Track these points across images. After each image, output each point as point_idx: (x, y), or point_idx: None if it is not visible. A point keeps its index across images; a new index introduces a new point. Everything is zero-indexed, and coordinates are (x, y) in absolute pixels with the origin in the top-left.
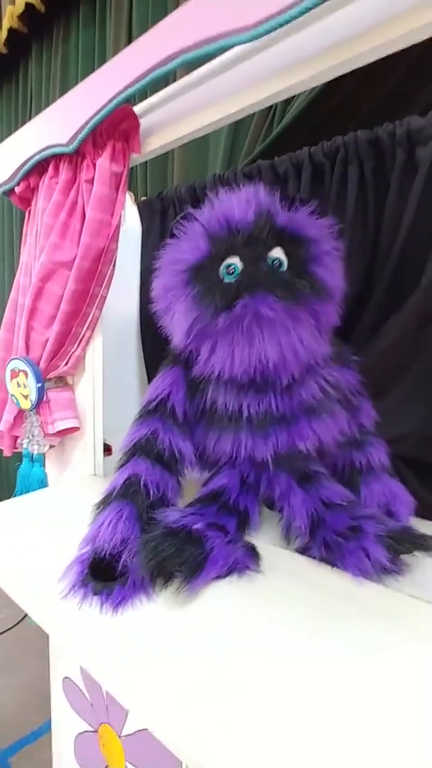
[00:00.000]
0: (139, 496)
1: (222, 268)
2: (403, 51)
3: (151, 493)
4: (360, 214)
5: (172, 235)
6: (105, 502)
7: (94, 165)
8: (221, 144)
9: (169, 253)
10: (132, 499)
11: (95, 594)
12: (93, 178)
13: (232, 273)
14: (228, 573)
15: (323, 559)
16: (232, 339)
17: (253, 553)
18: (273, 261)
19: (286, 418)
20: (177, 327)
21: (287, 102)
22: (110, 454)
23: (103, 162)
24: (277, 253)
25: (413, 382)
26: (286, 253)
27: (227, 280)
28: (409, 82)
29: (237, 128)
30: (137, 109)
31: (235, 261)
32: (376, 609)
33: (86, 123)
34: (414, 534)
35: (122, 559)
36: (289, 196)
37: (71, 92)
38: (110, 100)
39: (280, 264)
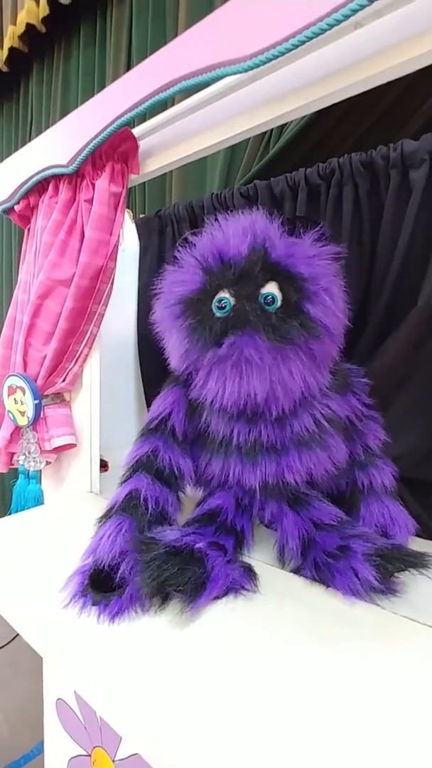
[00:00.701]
0: (138, 510)
1: (214, 302)
2: None
3: (150, 507)
4: (356, 235)
5: (173, 258)
6: (106, 516)
7: (94, 185)
8: (218, 163)
9: (166, 281)
10: (132, 513)
11: (94, 604)
12: (92, 198)
13: (224, 308)
14: (225, 593)
15: (316, 580)
16: (222, 372)
17: (249, 573)
18: (266, 296)
19: (276, 449)
20: (173, 354)
21: (283, 124)
22: (107, 470)
23: (102, 183)
24: (271, 288)
25: (408, 403)
26: (281, 288)
27: (218, 314)
28: (403, 104)
29: (234, 148)
30: (136, 131)
31: (226, 296)
32: (368, 630)
33: (86, 145)
34: (404, 552)
35: (120, 571)
36: (294, 219)
37: (72, 114)
38: (110, 123)
39: (273, 300)
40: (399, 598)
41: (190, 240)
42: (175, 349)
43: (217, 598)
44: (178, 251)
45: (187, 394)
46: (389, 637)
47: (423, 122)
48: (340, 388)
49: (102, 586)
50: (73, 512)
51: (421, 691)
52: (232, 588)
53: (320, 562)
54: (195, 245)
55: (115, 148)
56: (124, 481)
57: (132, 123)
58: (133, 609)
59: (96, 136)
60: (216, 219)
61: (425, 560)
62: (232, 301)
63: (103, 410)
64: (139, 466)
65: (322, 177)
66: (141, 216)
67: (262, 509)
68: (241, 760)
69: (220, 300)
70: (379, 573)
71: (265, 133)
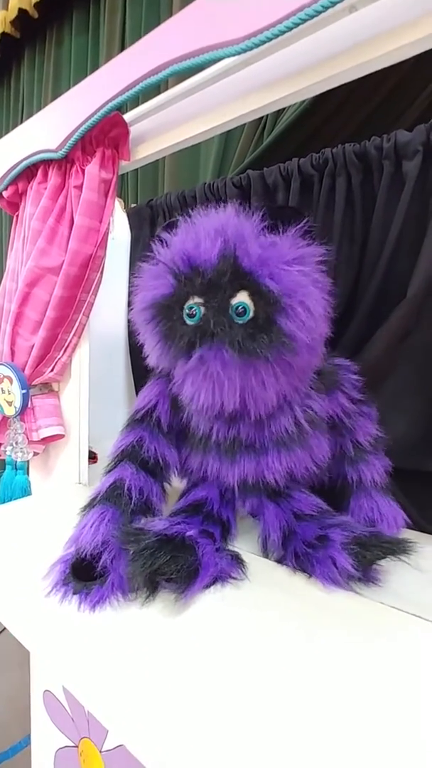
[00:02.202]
0: (122, 500)
1: (185, 309)
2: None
3: (134, 497)
4: (348, 226)
5: (149, 255)
6: (90, 505)
7: (83, 171)
8: (212, 153)
9: (140, 281)
10: (115, 502)
11: (75, 593)
12: (82, 184)
13: (194, 316)
14: (213, 582)
15: (297, 569)
16: (194, 381)
17: (237, 561)
18: (237, 307)
19: (256, 448)
20: (150, 354)
21: (278, 112)
22: (96, 461)
23: (92, 168)
24: (242, 297)
25: (395, 394)
26: (253, 299)
27: (189, 322)
28: (400, 94)
29: (228, 137)
30: (127, 117)
31: (197, 303)
32: (354, 619)
33: (76, 129)
34: (382, 539)
35: (102, 560)
36: (277, 211)
37: (62, 98)
38: (101, 107)
39: (245, 310)
40: (384, 588)
41: (163, 237)
42: (150, 351)
43: (206, 586)
44: (153, 248)
45: (170, 388)
46: (373, 625)
47: (421, 112)
48: (326, 386)
49: (84, 574)
50: (61, 504)
51: (401, 677)
52: (220, 577)
53: (300, 552)
54: (167, 244)
55: (106, 134)
56: (109, 471)
57: (124, 108)
58: (114, 597)
59: (86, 121)
60: (189, 215)
61: (404, 547)
62: (202, 309)
63: (92, 401)
64: (124, 456)
65: (315, 167)
66: (132, 206)
67: (243, 502)
68: (227, 751)
69: (190, 307)
70: (357, 561)
71: (260, 122)
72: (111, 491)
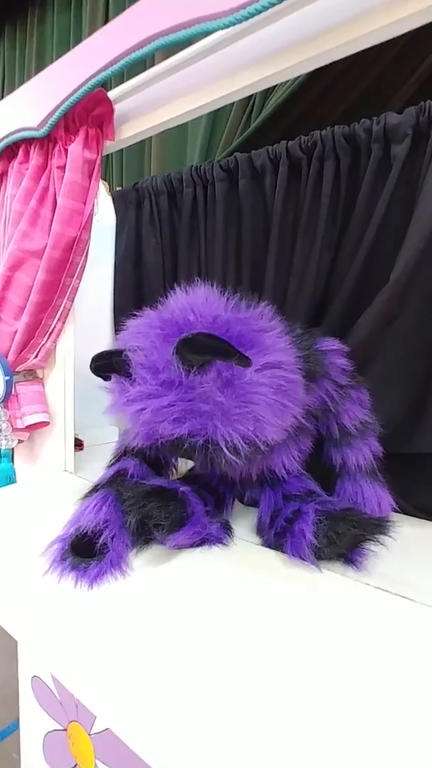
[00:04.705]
0: (125, 486)
1: None
2: (385, 42)
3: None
4: (333, 209)
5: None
6: (93, 491)
7: (66, 151)
8: (199, 135)
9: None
10: (118, 487)
11: (72, 569)
12: (65, 165)
13: None
14: (201, 543)
15: (275, 547)
16: None
17: (226, 528)
18: None
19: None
20: None
21: (266, 93)
22: (81, 449)
23: (76, 148)
24: None
25: (380, 378)
26: None
27: None
28: (393, 73)
29: (216, 119)
30: (111, 94)
31: None
32: (337, 599)
33: (58, 106)
34: (356, 516)
35: (102, 537)
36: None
37: (43, 73)
38: (83, 83)
39: None
40: (369, 569)
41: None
42: None
43: (193, 545)
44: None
45: None
46: (358, 605)
47: (411, 94)
48: (313, 376)
49: (83, 552)
50: (46, 491)
51: (384, 655)
52: (209, 539)
53: (279, 528)
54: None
55: (89, 112)
56: (111, 465)
57: (108, 85)
58: (112, 575)
59: (68, 97)
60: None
61: (378, 526)
62: None
63: (78, 388)
64: (126, 452)
65: (304, 150)
66: (118, 189)
67: (244, 492)
68: (210, 734)
69: None
70: (324, 534)
71: (248, 104)
72: (114, 478)
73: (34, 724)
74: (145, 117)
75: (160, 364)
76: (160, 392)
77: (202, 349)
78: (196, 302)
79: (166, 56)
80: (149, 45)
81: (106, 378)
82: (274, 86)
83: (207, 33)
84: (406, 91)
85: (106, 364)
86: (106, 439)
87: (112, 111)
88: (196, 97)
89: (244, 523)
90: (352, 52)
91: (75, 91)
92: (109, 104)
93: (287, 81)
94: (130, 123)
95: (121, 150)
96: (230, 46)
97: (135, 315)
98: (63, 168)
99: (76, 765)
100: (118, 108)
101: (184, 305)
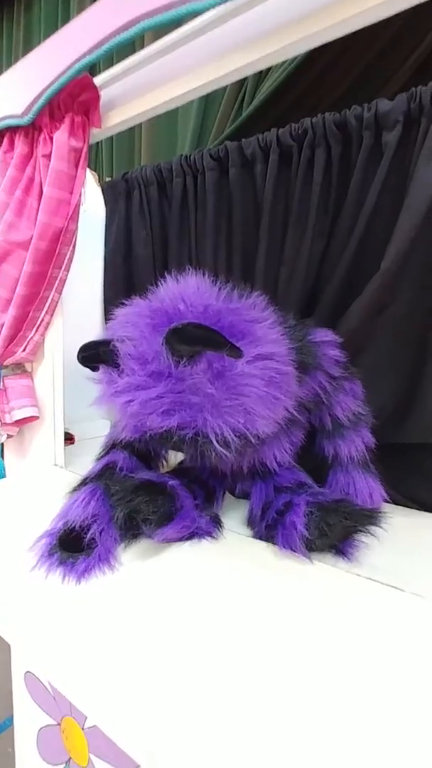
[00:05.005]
0: (114, 479)
1: None
2: (379, 27)
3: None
4: (324, 198)
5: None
6: (81, 484)
7: (52, 139)
8: (190, 125)
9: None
10: (107, 481)
11: (60, 564)
12: (51, 153)
13: None
14: (190, 537)
15: (266, 539)
16: None
17: (216, 522)
18: None
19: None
20: None
21: (258, 81)
22: (73, 443)
23: (61, 136)
24: None
25: (371, 367)
26: None
27: None
28: (386, 60)
29: (207, 108)
30: (97, 80)
31: None
32: (326, 589)
33: (42, 92)
34: (347, 507)
35: (90, 532)
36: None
37: (27, 59)
38: (67, 68)
39: None
40: (358, 560)
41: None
42: None
43: (183, 538)
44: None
45: None
46: (348, 595)
47: (405, 81)
48: (305, 368)
49: (71, 547)
50: (37, 486)
51: (372, 643)
52: (198, 533)
53: (270, 521)
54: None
55: (75, 98)
56: (100, 458)
57: (97, 70)
58: (100, 570)
59: (52, 83)
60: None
61: (369, 517)
62: None
63: (67, 381)
64: (115, 445)
65: (295, 138)
66: (107, 179)
67: (235, 485)
68: (202, 731)
69: None
70: (315, 526)
71: (239, 92)
72: (103, 472)
73: (28, 720)
74: (133, 103)
75: (149, 354)
76: (148, 383)
77: (192, 339)
78: (187, 291)
79: (153, 40)
80: (136, 26)
81: (94, 369)
82: (266, 73)
83: (196, 13)
84: (400, 77)
85: (94, 355)
86: (98, 433)
87: (97, 97)
88: (185, 81)
89: (235, 516)
90: (345, 32)
91: (59, 76)
92: (94, 90)
93: (279, 68)
94: (116, 109)
95: (111, 140)
96: (219, 28)
97: (124, 304)
98: (49, 157)
99: (70, 759)
100: (104, 94)
101: (174, 294)
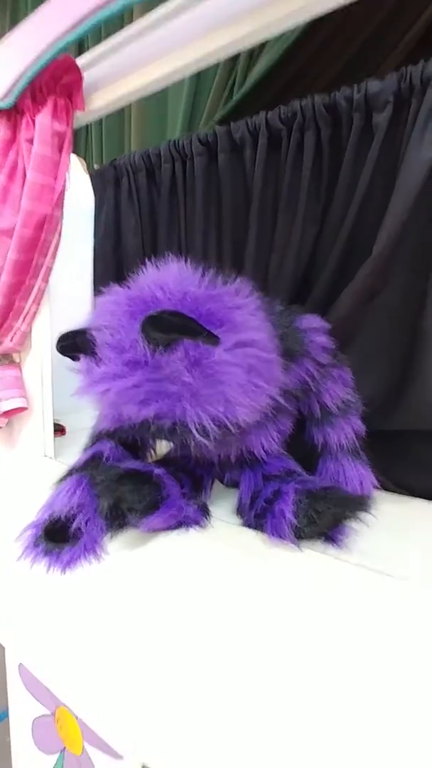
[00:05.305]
0: (100, 469)
1: None
2: (373, 6)
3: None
4: (314, 182)
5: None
6: (67, 475)
7: (35, 122)
8: (180, 111)
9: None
10: (92, 471)
11: (45, 554)
12: (34, 138)
13: None
14: (177, 526)
15: (256, 527)
16: None
17: (204, 510)
18: None
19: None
20: None
21: (248, 65)
22: (63, 434)
23: (44, 119)
24: None
25: (362, 354)
26: None
27: None
28: (381, 39)
29: (197, 93)
30: (80, 62)
31: None
32: (317, 577)
33: (22, 74)
34: (336, 495)
35: (76, 522)
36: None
37: (6, 39)
38: (48, 48)
39: None
40: (348, 546)
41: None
42: None
43: (170, 527)
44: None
45: None
46: (338, 582)
47: (398, 64)
48: (291, 356)
49: (56, 537)
50: (26, 477)
51: (361, 629)
52: (186, 522)
53: (259, 509)
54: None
55: (57, 80)
56: (87, 448)
57: (86, 45)
58: (85, 560)
59: (32, 63)
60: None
61: (358, 504)
62: None
63: (56, 372)
64: (102, 435)
65: (284, 121)
66: (96, 167)
67: (223, 474)
68: (190, 722)
69: None
70: (304, 513)
71: (230, 77)
72: (89, 462)
73: (23, 710)
74: (117, 84)
75: (126, 343)
76: (125, 372)
77: (168, 327)
78: (167, 279)
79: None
80: (117, 1)
81: (74, 358)
82: (258, 54)
83: None
84: (394, 59)
85: (71, 344)
86: (89, 424)
87: (80, 79)
88: (172, 59)
89: (224, 504)
90: (334, 6)
91: (40, 56)
92: (77, 72)
93: (271, 49)
94: (100, 91)
95: (101, 127)
96: (204, 2)
97: (102, 292)
98: (32, 141)
99: (64, 748)
100: (87, 75)
101: (153, 281)
